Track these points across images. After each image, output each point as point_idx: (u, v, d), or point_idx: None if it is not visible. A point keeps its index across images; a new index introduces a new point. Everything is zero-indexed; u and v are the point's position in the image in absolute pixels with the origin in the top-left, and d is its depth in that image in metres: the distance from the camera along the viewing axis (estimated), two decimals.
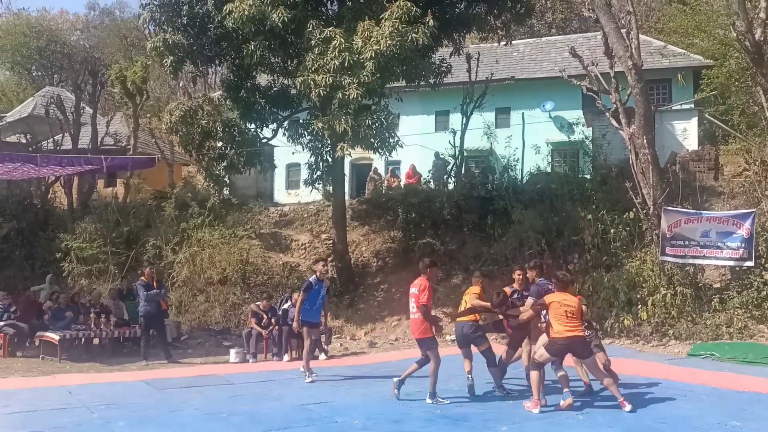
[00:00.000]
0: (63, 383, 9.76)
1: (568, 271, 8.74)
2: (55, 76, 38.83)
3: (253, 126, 16.26)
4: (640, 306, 12.56)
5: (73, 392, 8.99)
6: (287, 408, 7.87)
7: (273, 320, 12.51)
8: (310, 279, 9.88)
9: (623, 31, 14.32)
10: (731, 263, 12.53)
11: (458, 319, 8.33)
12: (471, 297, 8.21)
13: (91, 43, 40.72)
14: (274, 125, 16.49)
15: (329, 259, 16.29)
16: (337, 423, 7.12)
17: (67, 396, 8.77)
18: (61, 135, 21.18)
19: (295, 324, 9.85)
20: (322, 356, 11.99)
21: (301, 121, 16.57)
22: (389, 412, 7.56)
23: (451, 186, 18.98)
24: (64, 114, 20.77)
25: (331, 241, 16.89)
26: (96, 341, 12.95)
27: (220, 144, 15.80)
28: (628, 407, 7.19)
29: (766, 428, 6.60)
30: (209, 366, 11.63)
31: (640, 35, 15.23)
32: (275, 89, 16.26)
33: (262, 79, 16.71)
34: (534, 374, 7.42)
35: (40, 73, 39.85)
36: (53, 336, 12.17)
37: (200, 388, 9.22)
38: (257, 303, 13.39)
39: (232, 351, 12.27)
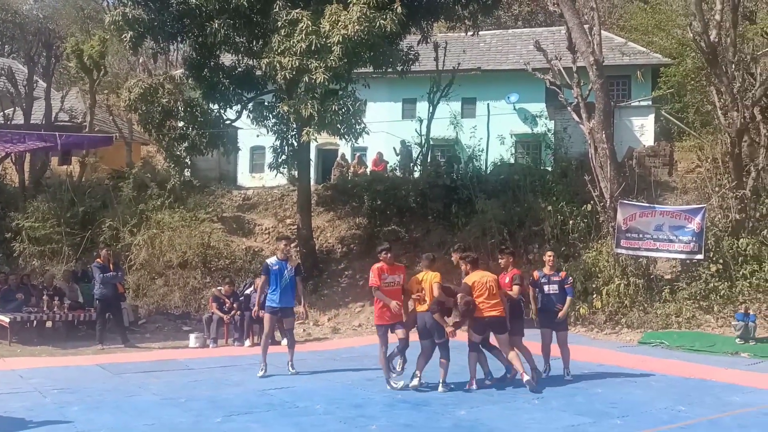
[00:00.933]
0: (13, 367, 9.50)
1: (508, 253, 8.61)
2: (6, 46, 37.18)
3: (216, 107, 15.98)
4: (595, 295, 12.96)
5: (24, 376, 8.77)
6: (248, 393, 7.84)
7: (235, 305, 12.40)
8: (268, 260, 9.15)
9: (586, 26, 14.59)
10: (682, 256, 13.01)
11: (421, 310, 7.83)
12: (436, 287, 7.72)
13: (45, 14, 39.09)
14: (238, 107, 16.23)
15: (293, 244, 16.19)
16: (299, 408, 7.14)
17: (17, 380, 8.55)
18: (12, 109, 20.35)
19: (255, 308, 9.25)
20: (285, 341, 11.89)
21: (266, 103, 16.35)
22: (351, 397, 7.63)
23: (416, 174, 19.08)
24: (16, 87, 19.94)
25: (295, 226, 16.79)
26: (49, 324, 12.61)
27: (181, 124, 15.46)
28: (526, 377, 7.71)
29: (711, 413, 6.92)
30: (168, 351, 11.47)
31: (603, 31, 15.55)
32: (240, 70, 15.98)
33: (226, 58, 16.37)
34: (471, 355, 7.92)
35: None
36: (3, 318, 11.80)
37: (158, 373, 9.10)
38: (219, 287, 13.25)
39: (192, 336, 12.13)
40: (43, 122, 19.33)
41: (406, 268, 8.12)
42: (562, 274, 8.70)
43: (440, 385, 7.85)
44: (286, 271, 8.90)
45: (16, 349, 11.25)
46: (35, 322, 12.38)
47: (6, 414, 6.68)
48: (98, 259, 12.11)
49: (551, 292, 8.49)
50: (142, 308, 14.85)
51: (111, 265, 12.02)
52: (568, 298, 8.54)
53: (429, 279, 7.82)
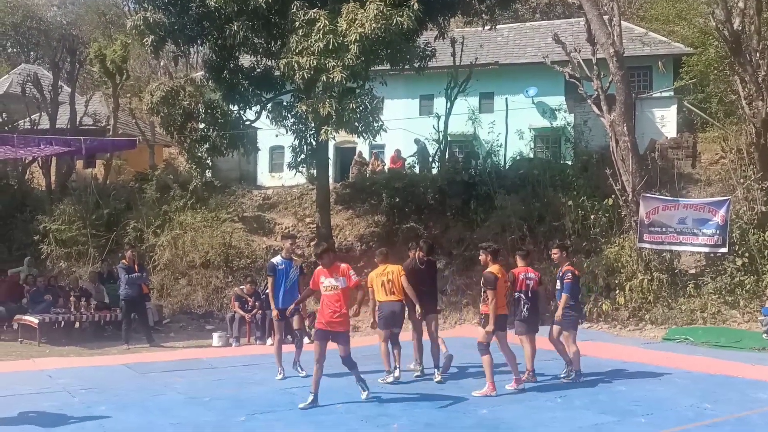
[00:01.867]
0: (42, 367, 9.68)
1: (491, 251, 8.10)
2: (32, 53, 37.91)
3: (236, 108, 16.13)
4: (617, 291, 12.81)
5: (53, 376, 8.93)
6: (271, 392, 7.92)
7: (257, 304, 12.52)
8: (273, 260, 8.97)
9: (605, 17, 14.40)
10: (706, 250, 12.80)
11: (388, 300, 8.23)
12: (404, 280, 8.18)
13: (68, 20, 39.75)
14: (258, 107, 16.36)
15: (312, 242, 16.27)
16: (320, 407, 7.19)
17: (47, 380, 8.71)
18: (38, 114, 20.78)
19: (274, 311, 8.86)
20: (306, 340, 11.91)
21: (284, 103, 16.47)
22: (372, 396, 7.64)
23: (435, 171, 19.04)
24: (41, 93, 20.36)
25: (315, 225, 16.90)
26: (76, 325, 12.85)
27: (202, 126, 15.65)
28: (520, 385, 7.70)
29: (737, 410, 6.81)
30: (192, 350, 11.63)
31: (622, 22, 15.32)
32: (258, 71, 16.10)
33: (245, 60, 16.52)
34: (483, 359, 7.61)
35: (15, 50, 38.85)
36: (32, 319, 12.06)
37: (183, 372, 9.22)
38: (241, 287, 13.40)
39: (215, 335, 12.27)
40: (68, 126, 19.69)
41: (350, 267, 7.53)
42: (564, 268, 8.39)
43: (396, 370, 8.23)
44: (291, 271, 8.73)
45: (45, 350, 11.49)
46: (63, 322, 12.63)
47: (36, 413, 6.84)
48: (123, 260, 12.32)
49: (556, 288, 8.44)
50: (167, 308, 15.07)
51: (136, 266, 12.22)
52: (564, 295, 8.21)
53: (396, 271, 8.26)
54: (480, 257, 8.04)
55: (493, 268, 7.74)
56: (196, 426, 6.50)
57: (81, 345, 11.93)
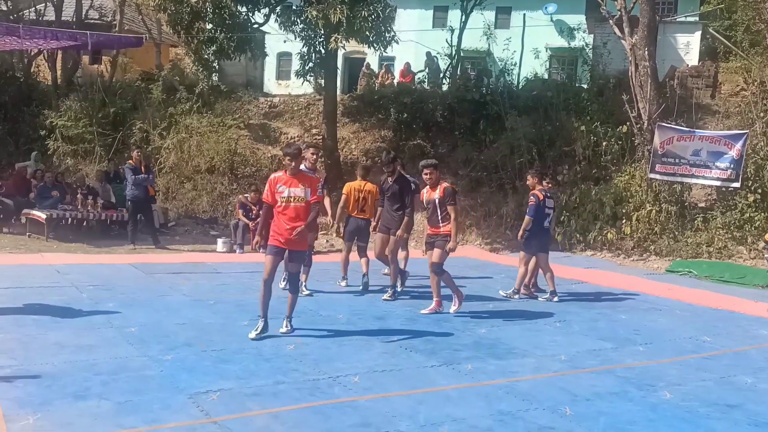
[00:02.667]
0: (51, 262, 9.84)
1: (433, 165, 7.52)
2: None
3: (244, 9, 15.55)
4: (624, 221, 12.77)
5: (61, 271, 9.08)
6: (273, 299, 7.84)
7: (261, 212, 12.53)
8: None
9: None
10: (717, 183, 12.67)
11: (356, 216, 8.69)
12: (375, 203, 8.64)
13: None
14: (266, 10, 15.76)
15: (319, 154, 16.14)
16: (322, 316, 7.32)
17: (55, 275, 8.86)
18: (43, 4, 20.06)
19: None
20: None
21: (294, 7, 15.81)
22: (373, 309, 7.78)
23: (445, 87, 18.56)
24: None
25: (321, 137, 16.68)
26: (84, 223, 12.95)
27: (209, 26, 15.14)
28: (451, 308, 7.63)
29: (735, 345, 6.88)
30: (197, 254, 11.77)
31: None
32: None
33: None
34: (443, 277, 7.55)
35: None
36: (40, 214, 12.14)
37: (188, 275, 9.37)
38: (245, 194, 13.39)
39: (220, 240, 12.39)
40: (74, 19, 19.07)
41: (322, 179, 7.19)
42: (531, 192, 8.50)
43: (365, 276, 8.69)
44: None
45: (53, 245, 11.64)
46: (70, 219, 12.70)
47: (45, 307, 6.97)
48: (130, 161, 12.23)
49: None
50: (172, 211, 15.14)
51: (142, 167, 12.14)
52: (525, 218, 8.42)
53: (372, 191, 8.64)
54: (428, 177, 7.30)
55: (450, 185, 7.42)
56: (201, 327, 6.64)
57: (88, 243, 12.05)
